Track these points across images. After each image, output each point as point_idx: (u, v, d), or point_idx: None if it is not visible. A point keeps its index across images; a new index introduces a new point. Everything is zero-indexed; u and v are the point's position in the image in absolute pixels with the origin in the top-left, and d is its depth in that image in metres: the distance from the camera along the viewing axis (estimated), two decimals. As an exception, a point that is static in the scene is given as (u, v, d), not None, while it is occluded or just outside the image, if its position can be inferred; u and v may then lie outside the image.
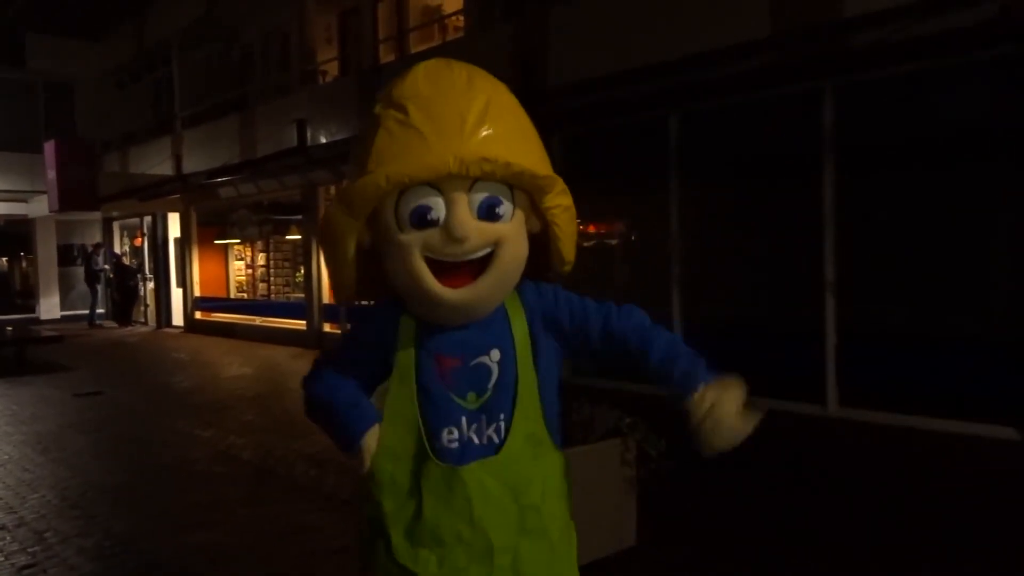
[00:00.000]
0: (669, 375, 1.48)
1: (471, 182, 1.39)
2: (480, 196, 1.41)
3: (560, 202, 1.49)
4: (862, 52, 5.67)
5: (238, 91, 14.58)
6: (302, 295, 12.81)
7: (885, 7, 5.40)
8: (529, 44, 8.19)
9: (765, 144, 6.55)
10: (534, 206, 1.49)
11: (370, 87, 10.75)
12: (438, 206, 1.39)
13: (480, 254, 1.42)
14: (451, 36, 11.44)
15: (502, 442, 1.49)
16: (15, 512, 4.57)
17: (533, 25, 8.37)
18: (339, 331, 11.88)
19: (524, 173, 1.41)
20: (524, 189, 1.45)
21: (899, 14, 5.29)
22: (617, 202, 7.71)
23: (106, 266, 17.82)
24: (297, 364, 10.50)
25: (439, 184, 1.38)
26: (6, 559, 3.86)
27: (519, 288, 1.55)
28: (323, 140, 11.42)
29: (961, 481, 4.59)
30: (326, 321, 12.27)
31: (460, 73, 1.45)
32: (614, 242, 7.88)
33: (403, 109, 1.40)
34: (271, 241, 14.38)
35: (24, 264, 21.35)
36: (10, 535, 4.19)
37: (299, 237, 13.05)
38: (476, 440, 1.50)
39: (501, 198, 1.43)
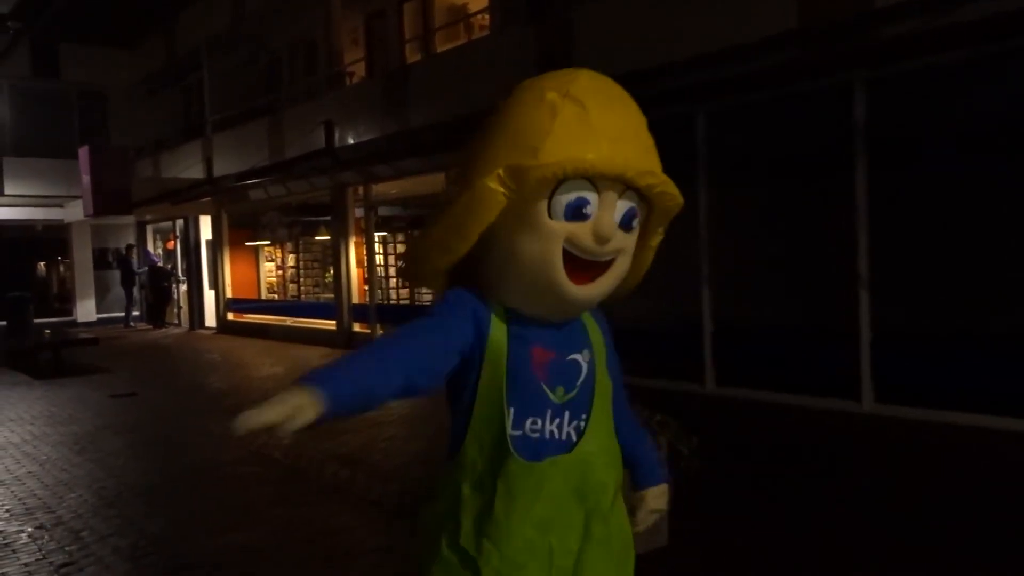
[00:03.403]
0: (634, 456, 1.69)
1: (623, 189, 1.43)
2: (627, 204, 1.44)
3: (663, 231, 1.56)
4: (893, 43, 5.55)
5: (267, 95, 14.75)
6: (331, 296, 12.91)
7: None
8: (554, 41, 8.16)
9: (795, 140, 6.44)
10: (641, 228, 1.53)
11: (397, 88, 10.81)
12: (594, 202, 1.42)
13: (607, 258, 1.45)
14: (476, 35, 11.46)
15: (579, 441, 1.52)
16: (53, 512, 4.65)
17: (558, 22, 8.34)
18: (367, 331, 11.95)
19: (674, 196, 1.47)
20: (653, 208, 1.50)
21: (933, 1, 5.17)
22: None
23: (140, 271, 18.16)
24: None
25: (597, 183, 1.41)
26: (44, 557, 3.93)
27: None
28: (351, 141, 11.50)
29: (1000, 478, 4.48)
30: (355, 321, 12.36)
31: (618, 88, 1.51)
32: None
33: (582, 105, 1.41)
34: (300, 242, 14.52)
35: (61, 268, 21.79)
36: (48, 534, 4.27)
37: (328, 238, 13.15)
38: (557, 435, 1.51)
39: (638, 211, 1.47)
